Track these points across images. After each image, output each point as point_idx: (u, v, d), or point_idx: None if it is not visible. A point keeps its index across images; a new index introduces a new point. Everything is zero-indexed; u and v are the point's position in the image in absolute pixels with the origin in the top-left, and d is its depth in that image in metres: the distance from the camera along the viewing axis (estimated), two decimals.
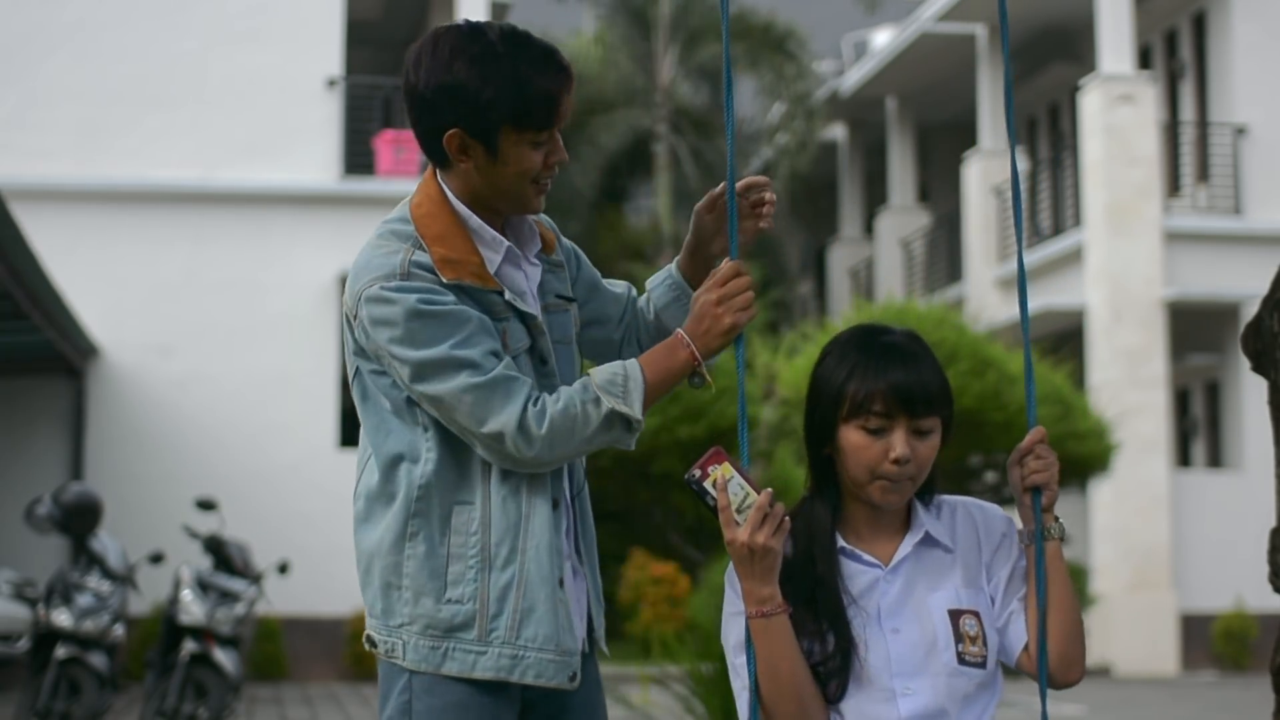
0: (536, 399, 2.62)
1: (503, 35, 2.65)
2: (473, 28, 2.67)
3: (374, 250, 2.69)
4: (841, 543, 2.65)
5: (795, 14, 25.66)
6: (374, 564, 2.74)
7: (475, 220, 2.72)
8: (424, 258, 2.65)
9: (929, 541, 2.66)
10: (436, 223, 2.70)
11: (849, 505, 2.68)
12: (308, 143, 17.06)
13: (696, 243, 2.96)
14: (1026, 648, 2.64)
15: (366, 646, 2.77)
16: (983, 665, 2.61)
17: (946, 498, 2.73)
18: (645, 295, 3.02)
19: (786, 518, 2.57)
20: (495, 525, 2.66)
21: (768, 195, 2.89)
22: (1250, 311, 11.40)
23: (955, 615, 2.61)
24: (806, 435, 2.69)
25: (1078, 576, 17.28)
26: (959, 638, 2.60)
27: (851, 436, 2.60)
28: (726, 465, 2.57)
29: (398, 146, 17.38)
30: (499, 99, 2.62)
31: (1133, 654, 17.69)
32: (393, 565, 2.71)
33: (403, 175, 17.28)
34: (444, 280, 2.64)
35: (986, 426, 13.53)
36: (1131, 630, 17.74)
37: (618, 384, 2.63)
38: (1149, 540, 17.97)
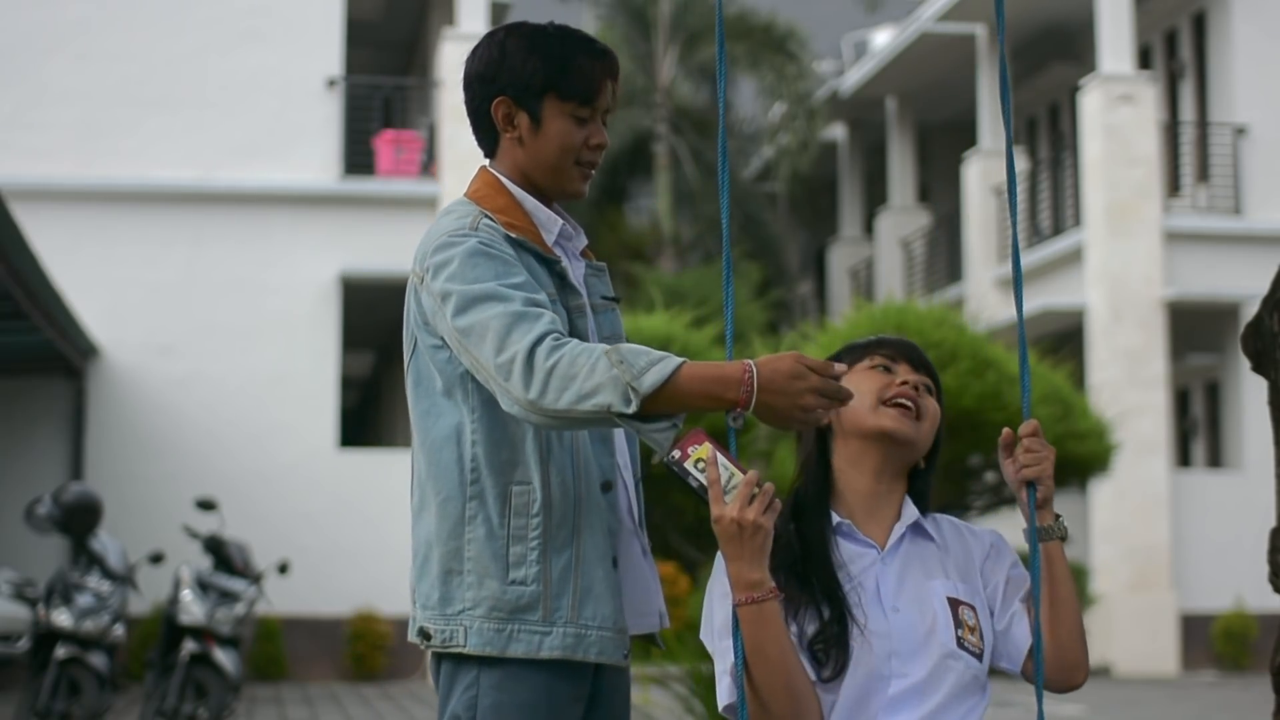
0: (559, 335, 2.55)
1: (554, 25, 2.85)
2: (530, 23, 2.86)
3: (441, 220, 2.79)
4: (838, 519, 2.65)
5: (795, 14, 25.66)
6: (432, 552, 2.71)
7: (531, 201, 2.82)
8: (491, 223, 2.74)
9: (920, 531, 2.67)
10: (495, 199, 2.80)
11: (842, 484, 2.69)
12: (308, 143, 17.06)
13: None
14: (1031, 651, 2.59)
15: (419, 642, 2.73)
16: (979, 657, 2.58)
17: (931, 515, 2.74)
18: None
19: (776, 498, 2.48)
20: (556, 507, 2.67)
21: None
22: (1250, 311, 11.40)
23: (954, 603, 2.60)
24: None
25: (1078, 577, 17.29)
26: (958, 624, 2.58)
27: (857, 377, 2.67)
28: (707, 445, 2.49)
29: (398, 146, 17.38)
30: (542, 67, 2.77)
31: (1133, 654, 17.68)
32: (453, 551, 2.68)
33: (403, 175, 17.29)
34: (510, 235, 2.72)
35: (986, 427, 13.48)
36: (1131, 630, 17.74)
37: (641, 359, 2.47)
38: (1149, 540, 17.97)
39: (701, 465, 2.48)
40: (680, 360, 2.48)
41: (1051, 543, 2.59)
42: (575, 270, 2.86)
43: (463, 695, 2.67)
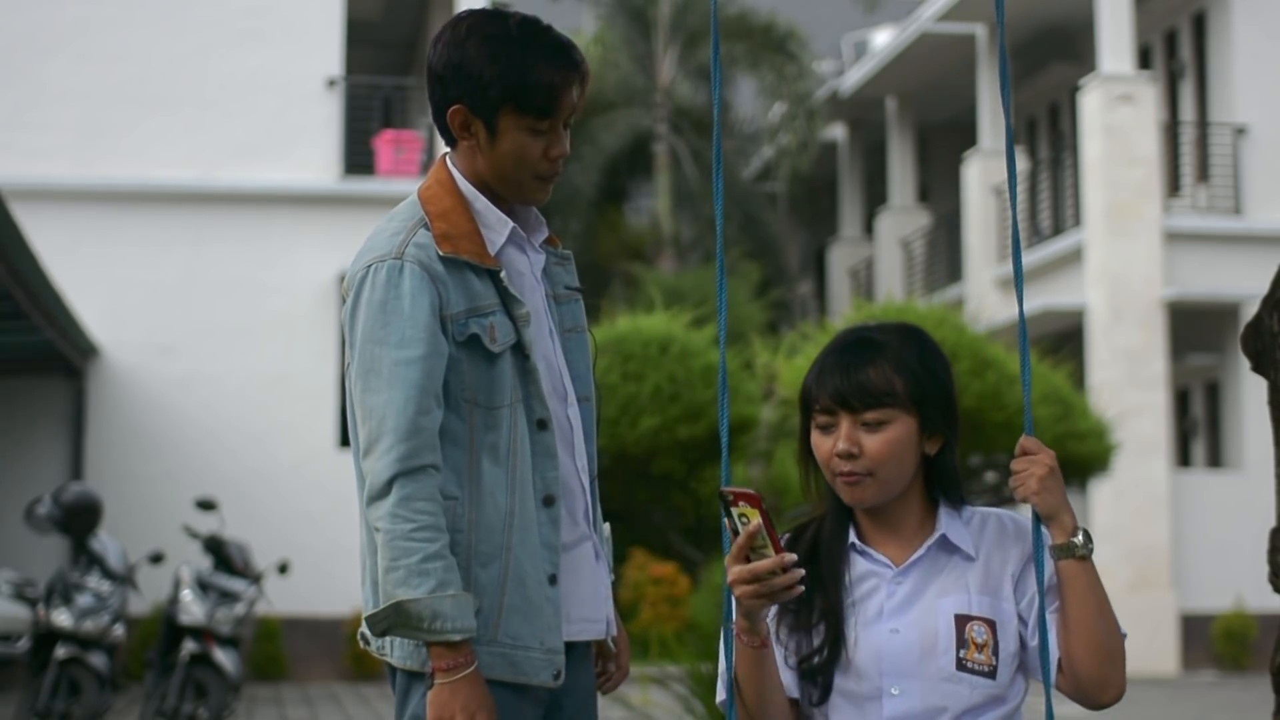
0: (420, 475, 2.57)
1: (520, 23, 2.69)
2: (494, 13, 2.71)
3: (379, 233, 2.71)
4: (854, 539, 2.61)
5: (795, 14, 25.67)
6: (366, 560, 2.71)
7: (481, 201, 2.74)
8: (425, 238, 2.66)
9: (946, 546, 2.59)
10: (442, 201, 2.71)
11: (862, 510, 2.64)
12: (308, 143, 17.06)
13: None
14: (1060, 667, 2.53)
15: (360, 644, 2.75)
16: (989, 675, 2.52)
17: (979, 509, 2.64)
18: None
19: (790, 590, 2.44)
20: (480, 523, 2.63)
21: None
22: (1250, 311, 11.39)
23: (962, 620, 2.53)
24: (800, 446, 2.67)
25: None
26: (962, 643, 2.52)
27: (813, 437, 2.61)
28: (756, 512, 2.44)
29: (398, 146, 17.38)
30: (500, 79, 2.65)
31: (1133, 654, 17.57)
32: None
33: (403, 175, 17.28)
34: (441, 253, 2.64)
35: (986, 427, 13.51)
36: (1131, 630, 17.59)
37: (426, 616, 2.54)
38: (1149, 540, 17.97)
39: (745, 520, 2.45)
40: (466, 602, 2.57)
41: (1065, 561, 2.51)
42: (534, 263, 2.80)
43: (423, 700, 2.63)
